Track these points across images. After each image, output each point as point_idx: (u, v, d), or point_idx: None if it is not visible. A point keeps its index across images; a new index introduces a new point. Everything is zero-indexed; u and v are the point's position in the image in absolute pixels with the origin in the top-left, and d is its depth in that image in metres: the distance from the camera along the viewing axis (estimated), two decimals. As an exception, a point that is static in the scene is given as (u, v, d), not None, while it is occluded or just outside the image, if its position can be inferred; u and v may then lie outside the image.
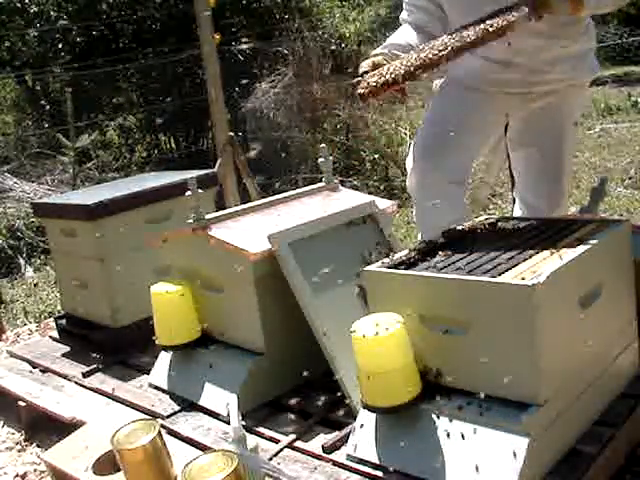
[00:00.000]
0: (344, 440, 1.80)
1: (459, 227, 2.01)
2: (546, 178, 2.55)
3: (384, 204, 2.35)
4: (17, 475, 2.23)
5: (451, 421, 1.60)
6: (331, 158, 2.55)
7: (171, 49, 7.65)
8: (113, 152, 8.24)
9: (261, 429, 1.96)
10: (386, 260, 1.81)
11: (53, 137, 7.13)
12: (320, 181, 2.55)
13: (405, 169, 2.52)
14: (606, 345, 1.76)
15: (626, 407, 1.75)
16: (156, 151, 8.33)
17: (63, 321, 2.93)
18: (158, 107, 7.95)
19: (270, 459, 1.80)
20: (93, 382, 2.46)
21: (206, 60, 4.45)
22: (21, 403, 2.46)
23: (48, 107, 7.99)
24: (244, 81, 7.26)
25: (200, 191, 2.16)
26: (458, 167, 2.41)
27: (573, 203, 4.33)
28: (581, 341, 1.64)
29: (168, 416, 2.10)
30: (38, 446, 2.38)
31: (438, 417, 1.63)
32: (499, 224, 2.02)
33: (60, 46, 8.03)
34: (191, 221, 2.15)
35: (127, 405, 2.26)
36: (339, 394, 1.93)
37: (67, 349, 2.80)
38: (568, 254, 1.64)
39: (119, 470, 1.75)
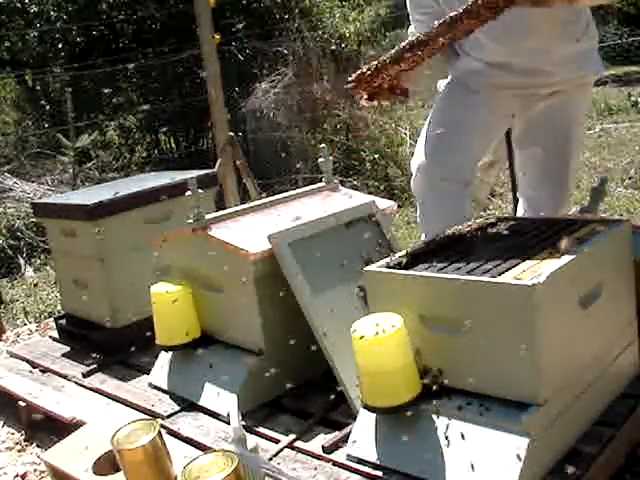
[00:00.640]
0: (344, 440, 1.80)
1: (459, 227, 2.01)
2: (551, 178, 2.55)
3: (384, 204, 2.35)
4: (17, 475, 2.23)
5: (451, 421, 1.60)
6: (331, 158, 2.55)
7: (171, 49, 7.65)
8: (113, 152, 8.24)
9: (261, 429, 1.96)
10: (386, 260, 1.81)
11: (53, 137, 7.13)
12: (320, 181, 2.55)
13: (405, 169, 2.52)
14: (606, 345, 1.76)
15: (626, 407, 1.75)
16: (156, 151, 8.32)
17: (63, 321, 2.93)
18: (158, 107, 7.95)
19: (270, 459, 1.80)
20: (93, 382, 2.46)
21: (206, 60, 4.45)
22: (21, 403, 2.46)
23: (48, 107, 7.98)
24: (244, 82, 7.26)
25: (200, 191, 2.16)
26: (463, 167, 2.42)
27: (573, 203, 4.32)
28: (581, 341, 1.64)
29: (168, 416, 2.10)
30: (38, 446, 2.38)
31: (438, 417, 1.63)
32: (499, 224, 2.02)
33: (60, 46, 8.02)
34: (191, 221, 2.15)
35: (127, 405, 2.26)
36: (339, 394, 1.93)
37: (67, 349, 2.80)
38: (568, 254, 1.64)
39: (119, 470, 1.75)
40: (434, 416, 1.63)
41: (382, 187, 6.10)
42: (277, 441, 1.90)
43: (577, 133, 2.55)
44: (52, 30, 7.94)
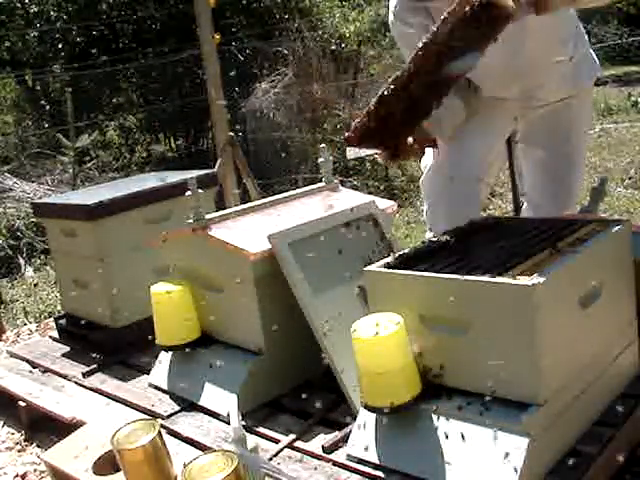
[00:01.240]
0: (344, 440, 1.79)
1: (459, 227, 2.01)
2: (552, 179, 2.55)
3: (384, 204, 2.35)
4: (17, 475, 2.23)
5: (451, 421, 1.60)
6: (331, 158, 2.55)
7: (171, 49, 7.66)
8: (113, 152, 8.25)
9: (261, 429, 1.96)
10: (386, 260, 1.81)
11: (53, 137, 7.14)
12: (320, 181, 2.55)
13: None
14: (606, 345, 1.76)
15: (626, 407, 1.74)
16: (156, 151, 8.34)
17: (63, 321, 2.93)
18: (158, 107, 7.95)
19: (270, 459, 1.80)
20: (93, 382, 2.46)
21: (206, 60, 4.46)
22: (21, 403, 2.46)
23: (48, 107, 7.99)
24: (244, 81, 7.27)
25: (200, 191, 2.16)
26: (473, 166, 2.43)
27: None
28: (581, 341, 1.64)
29: (168, 416, 2.10)
30: (38, 446, 2.38)
31: (438, 417, 1.63)
32: (499, 224, 2.02)
33: (60, 46, 8.03)
34: (191, 221, 2.15)
35: (127, 405, 2.26)
36: (339, 394, 1.93)
37: (67, 349, 2.80)
38: (568, 254, 1.64)
39: (119, 470, 1.75)
40: (434, 416, 1.63)
41: (382, 187, 6.11)
42: (277, 441, 1.90)
43: (579, 134, 2.54)
44: (52, 30, 7.95)
